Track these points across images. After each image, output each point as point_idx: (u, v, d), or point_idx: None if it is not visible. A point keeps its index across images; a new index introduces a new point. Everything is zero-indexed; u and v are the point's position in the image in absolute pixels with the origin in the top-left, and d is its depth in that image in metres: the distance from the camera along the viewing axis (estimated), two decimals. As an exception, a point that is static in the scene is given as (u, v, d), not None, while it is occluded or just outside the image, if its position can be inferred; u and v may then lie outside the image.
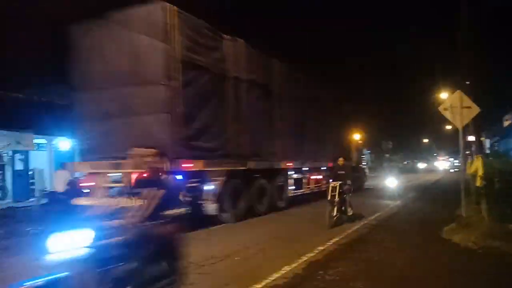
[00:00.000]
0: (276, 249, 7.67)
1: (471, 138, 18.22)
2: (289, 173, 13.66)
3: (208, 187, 9.69)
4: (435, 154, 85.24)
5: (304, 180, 14.74)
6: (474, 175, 10.67)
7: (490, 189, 9.22)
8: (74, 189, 9.81)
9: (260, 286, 5.36)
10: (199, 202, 9.50)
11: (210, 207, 9.64)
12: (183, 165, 8.75)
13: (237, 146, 10.79)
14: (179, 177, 8.06)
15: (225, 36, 10.58)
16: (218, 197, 9.83)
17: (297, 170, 14.22)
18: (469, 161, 13.88)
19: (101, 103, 9.31)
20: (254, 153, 11.45)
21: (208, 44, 9.94)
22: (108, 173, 9.25)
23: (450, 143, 67.34)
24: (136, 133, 8.55)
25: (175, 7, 8.77)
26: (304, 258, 6.72)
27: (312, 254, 7.01)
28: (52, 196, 11.78)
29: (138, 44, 8.87)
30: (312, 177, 15.28)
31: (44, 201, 11.96)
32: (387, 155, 66.93)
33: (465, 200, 10.21)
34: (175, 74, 8.74)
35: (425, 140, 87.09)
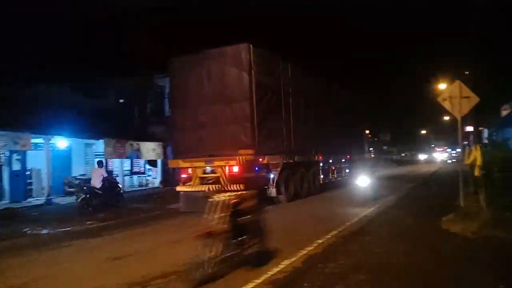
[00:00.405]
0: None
1: (469, 128, 18.24)
2: (320, 165, 16.88)
3: (271, 175, 12.89)
4: (432, 145, 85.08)
5: (329, 171, 17.95)
6: (472, 165, 10.65)
7: (489, 178, 9.22)
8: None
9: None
10: (265, 187, 12.60)
11: (272, 191, 12.81)
12: (259, 160, 11.93)
13: (288, 145, 14.01)
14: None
15: (280, 59, 13.88)
16: (276, 183, 12.97)
17: (325, 163, 17.36)
18: (467, 151, 13.86)
19: (196, 117, 12.41)
20: (298, 149, 14.63)
21: (271, 69, 13.25)
22: (203, 167, 12.16)
23: (447, 134, 67.58)
24: (225, 137, 11.82)
25: (252, 46, 11.89)
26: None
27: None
28: (90, 190, 13.29)
29: (227, 74, 12.06)
30: (334, 168, 18.36)
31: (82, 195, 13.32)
32: (385, 147, 67.12)
33: (463, 190, 10.21)
34: (252, 94, 11.91)
35: (423, 132, 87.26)
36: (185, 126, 12.66)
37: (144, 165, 23.57)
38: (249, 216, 5.67)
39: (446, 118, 47.74)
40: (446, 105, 10.26)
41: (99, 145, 19.18)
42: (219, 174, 11.79)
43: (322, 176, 16.95)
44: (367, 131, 24.09)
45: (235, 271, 5.82)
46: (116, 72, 26.38)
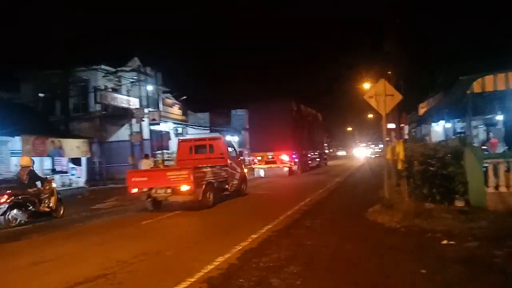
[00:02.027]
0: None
1: (391, 125, 19.42)
2: (308, 155, 28.62)
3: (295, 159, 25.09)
4: (357, 142, 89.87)
5: (310, 158, 29.27)
6: (395, 159, 11.32)
7: (410, 171, 9.83)
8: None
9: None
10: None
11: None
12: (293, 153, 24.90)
13: (302, 146, 26.63)
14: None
15: (299, 104, 27.61)
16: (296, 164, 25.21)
17: (308, 153, 28.74)
18: (390, 146, 14.73)
19: (261, 134, 24.44)
20: (304, 147, 27.55)
21: (304, 111, 28.73)
22: (267, 155, 24.25)
23: (371, 131, 71.78)
24: (277, 143, 23.62)
25: (293, 101, 26.22)
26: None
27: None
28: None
29: (279, 116, 23.88)
30: (311, 156, 29.68)
31: None
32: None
33: (387, 182, 10.82)
34: (293, 123, 24.97)
35: (349, 129, 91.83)
36: (254, 137, 26.10)
37: (67, 163, 22.06)
38: None
39: (370, 116, 50.69)
40: (372, 102, 10.76)
41: (16, 143, 17.62)
42: (276, 159, 24.38)
43: (309, 162, 28.79)
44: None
45: (171, 270, 5.62)
46: (34, 64, 24.43)
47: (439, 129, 20.25)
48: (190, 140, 16.21)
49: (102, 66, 27.62)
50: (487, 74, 8.76)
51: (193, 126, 38.46)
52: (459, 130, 17.04)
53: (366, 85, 25.84)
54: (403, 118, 19.50)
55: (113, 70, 27.74)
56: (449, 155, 8.50)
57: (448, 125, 17.38)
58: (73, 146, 20.50)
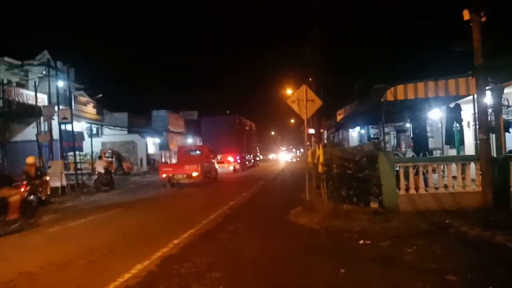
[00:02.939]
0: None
1: (311, 130, 20.18)
2: (246, 157, 35.66)
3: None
4: (280, 146, 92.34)
5: (247, 160, 36.39)
6: (315, 163, 11.71)
7: (329, 174, 10.22)
8: None
9: None
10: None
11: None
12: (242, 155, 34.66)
13: (241, 148, 33.14)
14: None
15: (240, 119, 35.74)
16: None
17: (246, 156, 35.69)
18: (309, 150, 15.27)
19: (212, 140, 29.58)
20: (242, 150, 33.80)
21: (244, 123, 37.10)
22: (217, 157, 27.28)
23: (292, 135, 74.27)
24: (224, 148, 30.01)
25: (237, 116, 34.81)
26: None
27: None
28: None
29: (226, 127, 32.58)
30: (248, 158, 36.99)
31: None
32: None
33: (309, 185, 11.14)
34: (236, 133, 33.21)
35: (272, 133, 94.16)
36: (211, 143, 28.04)
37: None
38: None
39: (292, 121, 52.46)
40: (295, 107, 11.04)
41: None
42: (223, 160, 29.99)
43: (246, 163, 35.94)
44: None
45: (82, 280, 5.12)
46: None
47: (355, 134, 21.50)
48: (186, 146, 30.49)
49: (5, 58, 25.05)
50: (399, 84, 9.41)
51: (109, 126, 36.45)
52: (372, 136, 18.23)
53: (289, 91, 26.62)
54: (323, 123, 20.37)
55: (19, 63, 25.30)
56: (364, 159, 8.97)
57: (363, 131, 18.49)
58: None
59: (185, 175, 19.41)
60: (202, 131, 35.27)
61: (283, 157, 67.44)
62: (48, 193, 13.34)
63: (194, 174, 19.08)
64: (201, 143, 35.13)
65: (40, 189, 12.32)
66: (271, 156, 78.09)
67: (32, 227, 9.28)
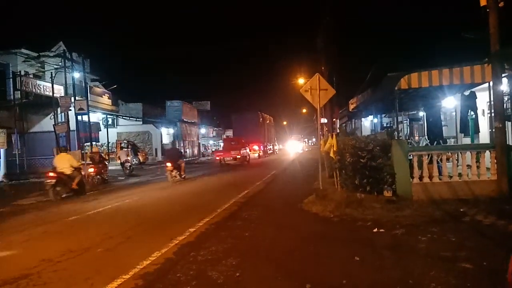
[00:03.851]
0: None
1: (324, 120, 20.12)
2: (267, 146, 44.23)
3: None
4: (291, 136, 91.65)
5: (268, 148, 45.04)
6: (328, 152, 11.74)
7: (342, 163, 10.25)
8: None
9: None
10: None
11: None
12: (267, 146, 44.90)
13: (263, 139, 40.98)
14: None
15: (264, 114, 44.26)
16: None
17: (267, 145, 44.41)
18: (322, 139, 15.27)
19: (242, 133, 36.01)
20: (264, 140, 41.69)
21: (265, 117, 44.34)
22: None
23: (304, 125, 73.82)
24: (251, 139, 35.78)
25: (260, 112, 42.05)
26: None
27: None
28: None
29: (252, 122, 39.21)
30: (268, 147, 45.28)
31: None
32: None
33: (321, 174, 11.18)
34: (259, 126, 40.05)
35: (285, 123, 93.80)
36: (241, 135, 34.25)
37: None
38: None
39: (304, 110, 52.28)
40: (308, 96, 11.04)
41: None
42: (251, 148, 35.16)
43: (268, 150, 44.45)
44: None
45: (102, 267, 5.31)
46: None
47: (367, 123, 21.36)
48: (229, 138, 37.39)
49: (23, 50, 25.45)
50: (413, 72, 9.33)
51: (124, 117, 36.88)
52: (385, 125, 18.11)
53: (301, 80, 26.49)
54: (335, 113, 20.28)
55: (35, 54, 25.69)
56: (377, 147, 8.97)
57: (376, 120, 18.37)
58: (-11, 137, 18.70)
59: (231, 158, 28.85)
60: (233, 125, 43.05)
61: (292, 147, 59.28)
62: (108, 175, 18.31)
63: (238, 157, 28.65)
64: (234, 136, 41.39)
65: (102, 171, 17.49)
66: (277, 147, 61.98)
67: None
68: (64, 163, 13.09)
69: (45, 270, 5.36)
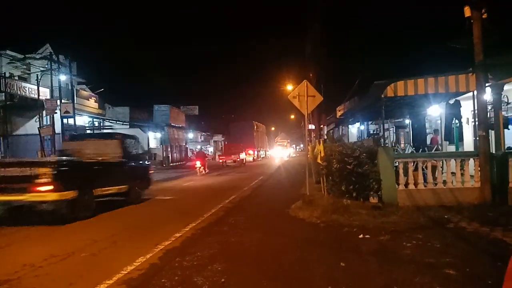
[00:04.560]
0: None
1: (311, 126, 20.24)
2: (259, 151, 52.84)
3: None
4: (276, 139, 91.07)
5: (261, 153, 54.53)
6: (315, 158, 11.78)
7: (329, 169, 10.30)
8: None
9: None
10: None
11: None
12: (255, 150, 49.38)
13: (256, 144, 50.16)
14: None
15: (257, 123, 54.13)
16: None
17: (259, 150, 53.08)
18: (310, 145, 15.33)
19: (238, 139, 42.83)
20: (257, 145, 50.67)
21: (258, 125, 55.04)
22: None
23: (292, 131, 73.94)
24: (247, 144, 42.59)
25: (254, 121, 52.80)
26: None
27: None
28: None
29: (247, 130, 48.91)
30: (260, 151, 54.26)
31: None
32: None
33: (309, 180, 11.22)
34: (253, 133, 49.99)
35: (273, 128, 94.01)
36: (238, 141, 41.44)
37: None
38: None
39: (292, 116, 52.66)
40: (295, 102, 11.09)
41: None
42: (246, 152, 40.60)
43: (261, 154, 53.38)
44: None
45: (86, 272, 5.22)
46: None
47: (354, 130, 21.56)
48: (230, 144, 40.77)
49: (8, 52, 25.06)
50: (399, 80, 9.46)
51: (111, 121, 36.53)
52: (372, 132, 18.29)
53: (289, 87, 26.62)
54: (323, 119, 20.41)
55: (21, 56, 25.32)
56: (364, 154, 9.05)
57: (363, 127, 18.55)
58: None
59: (231, 160, 35.35)
60: (231, 132, 50.39)
61: (278, 153, 56.54)
62: None
63: (238, 159, 35.58)
64: (231, 141, 47.58)
65: None
66: (269, 152, 61.99)
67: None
68: None
69: (26, 275, 5.25)
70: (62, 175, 8.74)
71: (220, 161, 35.89)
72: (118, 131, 36.76)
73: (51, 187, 8.45)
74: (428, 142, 13.28)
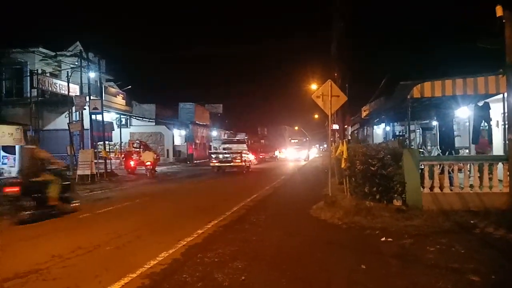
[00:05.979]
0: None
1: (335, 126, 20.06)
2: (261, 155, 44.72)
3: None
4: (290, 138, 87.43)
5: (261, 156, 44.10)
6: (338, 158, 11.70)
7: (352, 170, 10.21)
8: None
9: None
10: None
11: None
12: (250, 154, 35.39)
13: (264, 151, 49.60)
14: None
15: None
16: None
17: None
18: (334, 145, 15.22)
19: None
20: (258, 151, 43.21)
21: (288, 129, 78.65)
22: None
23: (315, 131, 73.16)
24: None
25: (285, 126, 77.52)
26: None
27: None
28: None
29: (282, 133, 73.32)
30: (261, 156, 43.53)
31: None
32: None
33: (331, 180, 11.15)
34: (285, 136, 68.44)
35: (296, 128, 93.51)
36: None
37: (-2, 152, 20.54)
38: None
39: (316, 116, 52.05)
40: (319, 102, 11.02)
41: None
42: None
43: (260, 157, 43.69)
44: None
45: (111, 265, 5.39)
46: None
47: (379, 131, 21.22)
48: (264, 143, 57.56)
49: (40, 49, 25.90)
50: (426, 81, 9.26)
51: (138, 118, 37.23)
52: (397, 133, 17.97)
53: (314, 86, 26.47)
54: (347, 119, 20.20)
55: (52, 53, 26.12)
56: (388, 156, 8.91)
57: (388, 128, 18.25)
58: (5, 133, 19.07)
59: (268, 156, 44.02)
60: (266, 133, 57.50)
61: (292, 154, 48.88)
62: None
63: (273, 156, 45.20)
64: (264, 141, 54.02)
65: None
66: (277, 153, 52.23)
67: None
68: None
69: (55, 266, 5.46)
70: None
71: (261, 156, 41.82)
72: (144, 128, 37.56)
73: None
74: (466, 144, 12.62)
